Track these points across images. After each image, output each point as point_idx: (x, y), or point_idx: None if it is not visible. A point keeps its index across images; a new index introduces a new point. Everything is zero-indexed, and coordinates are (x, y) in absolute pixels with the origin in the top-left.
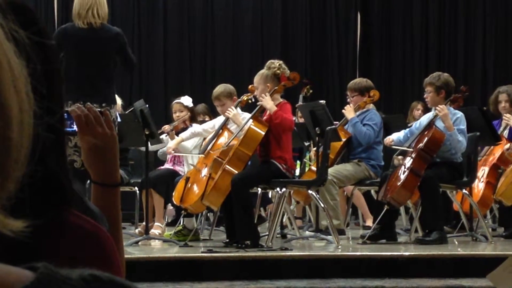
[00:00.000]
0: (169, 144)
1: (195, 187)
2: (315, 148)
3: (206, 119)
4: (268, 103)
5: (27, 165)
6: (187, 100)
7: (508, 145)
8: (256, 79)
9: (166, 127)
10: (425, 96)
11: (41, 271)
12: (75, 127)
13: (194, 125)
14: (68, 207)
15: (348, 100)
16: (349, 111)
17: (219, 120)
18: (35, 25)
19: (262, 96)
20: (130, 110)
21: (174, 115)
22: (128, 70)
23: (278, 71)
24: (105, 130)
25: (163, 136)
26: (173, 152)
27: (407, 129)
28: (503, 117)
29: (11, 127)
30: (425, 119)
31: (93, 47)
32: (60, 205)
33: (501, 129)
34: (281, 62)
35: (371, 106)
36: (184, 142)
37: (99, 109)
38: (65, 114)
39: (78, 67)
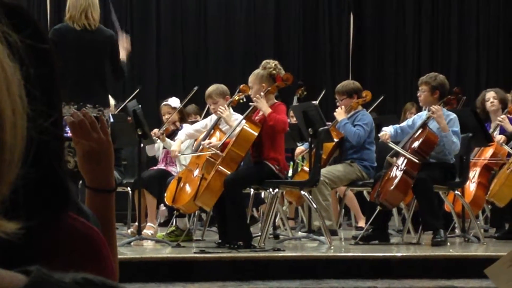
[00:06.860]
0: (172, 147)
1: (187, 187)
2: (301, 146)
3: (198, 119)
4: (263, 105)
5: (21, 167)
6: (174, 102)
7: (500, 137)
8: (251, 78)
9: (156, 132)
10: (418, 94)
11: (34, 275)
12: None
13: (185, 125)
14: (66, 209)
15: (338, 103)
16: (339, 113)
17: (211, 119)
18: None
19: (256, 97)
20: (121, 108)
21: (164, 118)
22: (118, 78)
23: (274, 72)
24: (100, 136)
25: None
26: (179, 154)
27: (397, 126)
28: (498, 119)
29: (4, 130)
30: (418, 119)
31: (87, 48)
32: (59, 207)
33: (491, 130)
34: (276, 62)
35: (360, 107)
36: None
37: (95, 115)
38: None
39: (72, 68)
